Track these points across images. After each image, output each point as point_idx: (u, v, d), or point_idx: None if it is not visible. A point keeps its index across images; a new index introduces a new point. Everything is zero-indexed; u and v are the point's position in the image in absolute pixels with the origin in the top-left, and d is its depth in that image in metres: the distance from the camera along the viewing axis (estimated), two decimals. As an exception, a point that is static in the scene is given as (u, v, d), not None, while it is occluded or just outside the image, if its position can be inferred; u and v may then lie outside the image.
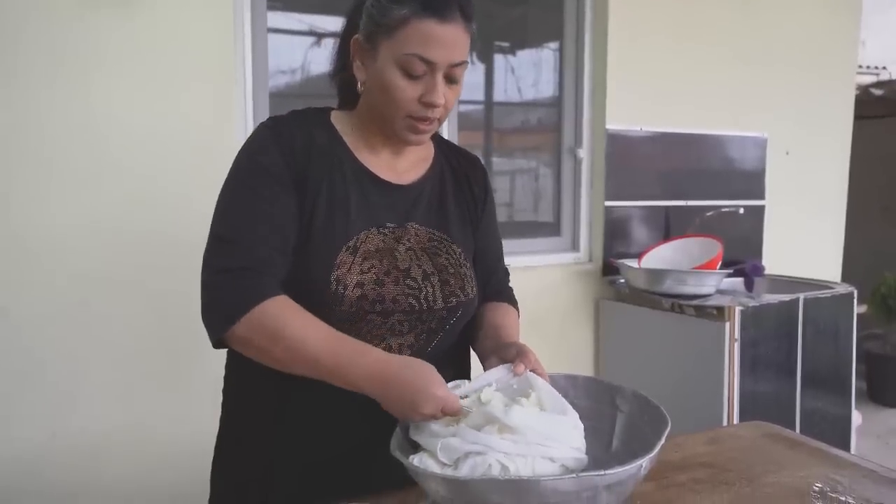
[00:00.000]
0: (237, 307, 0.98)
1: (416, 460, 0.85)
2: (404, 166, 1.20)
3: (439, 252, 1.16)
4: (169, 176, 2.12)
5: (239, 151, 1.11)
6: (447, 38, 1.03)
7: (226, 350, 1.12)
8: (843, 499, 1.10)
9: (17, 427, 2.01)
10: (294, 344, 0.97)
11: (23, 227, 1.99)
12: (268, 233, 1.03)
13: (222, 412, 1.21)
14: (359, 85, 1.12)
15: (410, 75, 1.04)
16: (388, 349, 1.10)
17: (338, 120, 1.18)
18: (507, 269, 1.37)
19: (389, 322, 1.09)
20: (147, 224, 2.08)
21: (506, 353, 1.06)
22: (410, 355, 1.11)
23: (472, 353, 1.26)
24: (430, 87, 1.04)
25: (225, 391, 1.21)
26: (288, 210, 1.06)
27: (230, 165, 1.11)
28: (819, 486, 1.14)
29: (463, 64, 1.06)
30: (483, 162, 1.34)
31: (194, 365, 2.15)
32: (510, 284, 1.36)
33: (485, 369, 1.06)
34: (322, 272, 1.05)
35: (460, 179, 1.26)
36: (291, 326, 0.98)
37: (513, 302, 1.33)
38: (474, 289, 1.18)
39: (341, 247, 1.07)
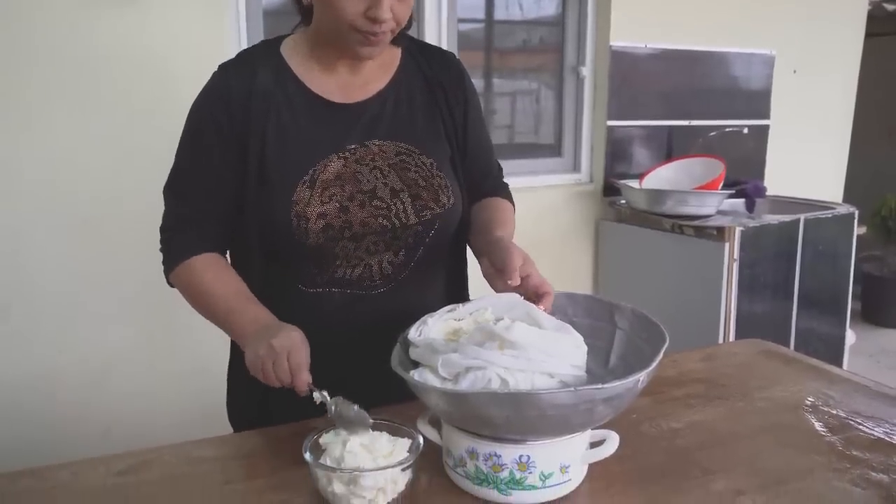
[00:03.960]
0: (167, 264, 1.14)
1: (417, 375, 0.86)
2: (365, 79, 1.15)
3: (408, 166, 1.12)
4: (163, 97, 2.08)
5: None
6: None
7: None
8: (835, 412, 1.12)
9: (23, 345, 2.05)
10: (201, 299, 1.10)
11: (23, 150, 1.97)
12: (196, 193, 1.11)
13: None
14: None
15: None
16: (369, 269, 1.12)
17: (291, 46, 1.14)
18: (500, 164, 1.34)
19: (364, 244, 1.09)
20: (144, 144, 2.06)
21: (494, 256, 1.03)
22: (393, 272, 1.13)
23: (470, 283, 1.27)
24: (375, 1, 0.99)
25: None
26: (222, 166, 1.09)
27: None
28: (811, 399, 1.17)
29: None
30: (461, 61, 1.25)
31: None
32: (505, 180, 1.34)
33: (482, 271, 1.06)
34: (282, 212, 1.06)
35: (433, 86, 1.19)
36: (202, 283, 1.10)
37: (507, 195, 1.30)
38: (451, 198, 1.14)
39: (297, 182, 1.06)
